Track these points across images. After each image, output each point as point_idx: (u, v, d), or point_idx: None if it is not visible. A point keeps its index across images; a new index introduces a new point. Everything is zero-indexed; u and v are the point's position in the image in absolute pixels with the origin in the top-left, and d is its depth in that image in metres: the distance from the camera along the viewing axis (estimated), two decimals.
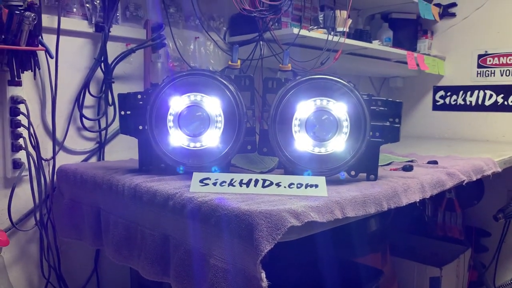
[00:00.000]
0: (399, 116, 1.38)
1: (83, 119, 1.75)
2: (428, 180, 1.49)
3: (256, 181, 1.21)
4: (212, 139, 1.36)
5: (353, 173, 1.39)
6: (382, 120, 1.37)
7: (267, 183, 1.20)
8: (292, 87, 1.33)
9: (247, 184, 1.20)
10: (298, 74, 1.41)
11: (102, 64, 1.76)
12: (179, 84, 1.37)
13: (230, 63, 1.46)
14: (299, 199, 1.11)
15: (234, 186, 1.20)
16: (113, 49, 1.80)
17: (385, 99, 1.38)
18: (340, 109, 1.33)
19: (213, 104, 1.36)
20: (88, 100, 1.78)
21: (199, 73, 1.38)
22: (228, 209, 1.03)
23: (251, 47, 2.04)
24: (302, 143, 1.33)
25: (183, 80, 1.37)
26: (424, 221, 2.81)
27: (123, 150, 1.89)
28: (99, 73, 1.78)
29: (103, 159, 1.84)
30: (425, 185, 1.46)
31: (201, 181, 1.22)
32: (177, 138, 1.37)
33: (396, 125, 1.38)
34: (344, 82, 1.32)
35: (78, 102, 1.74)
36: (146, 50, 1.89)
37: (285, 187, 1.19)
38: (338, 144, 1.33)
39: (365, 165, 1.39)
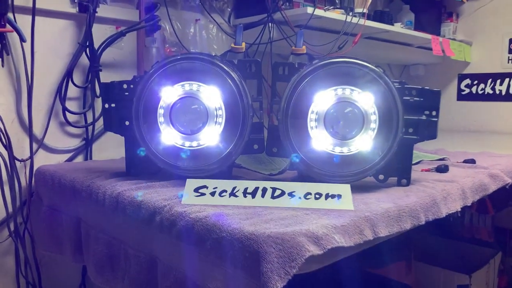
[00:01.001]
0: (437, 108, 1.17)
1: (66, 112, 1.54)
2: (469, 184, 1.26)
3: (264, 189, 0.98)
4: (211, 137, 1.13)
5: (381, 177, 1.16)
6: (417, 113, 1.16)
7: (277, 192, 0.97)
8: (308, 74, 1.10)
9: (253, 193, 0.98)
10: (314, 58, 1.17)
11: (88, 50, 1.54)
12: (171, 71, 1.14)
13: (233, 45, 1.23)
14: (319, 214, 0.88)
15: (236, 196, 0.97)
16: (101, 33, 1.58)
17: (420, 87, 1.15)
18: (366, 100, 1.10)
19: (212, 95, 1.13)
20: (72, 91, 1.56)
21: (195, 57, 1.14)
22: (228, 231, 0.80)
23: (259, 30, 1.80)
24: (320, 141, 1.11)
25: (176, 66, 1.14)
26: (448, 221, 2.57)
27: (114, 147, 1.66)
28: (84, 60, 1.56)
29: (90, 158, 1.62)
30: (466, 190, 1.23)
31: (196, 190, 0.99)
32: (169, 136, 1.14)
33: (434, 119, 1.17)
34: (372, 67, 1.09)
35: (60, 93, 1.52)
36: (139, 33, 1.68)
37: (300, 197, 0.96)
38: (364, 143, 1.10)
39: (396, 167, 1.17)
